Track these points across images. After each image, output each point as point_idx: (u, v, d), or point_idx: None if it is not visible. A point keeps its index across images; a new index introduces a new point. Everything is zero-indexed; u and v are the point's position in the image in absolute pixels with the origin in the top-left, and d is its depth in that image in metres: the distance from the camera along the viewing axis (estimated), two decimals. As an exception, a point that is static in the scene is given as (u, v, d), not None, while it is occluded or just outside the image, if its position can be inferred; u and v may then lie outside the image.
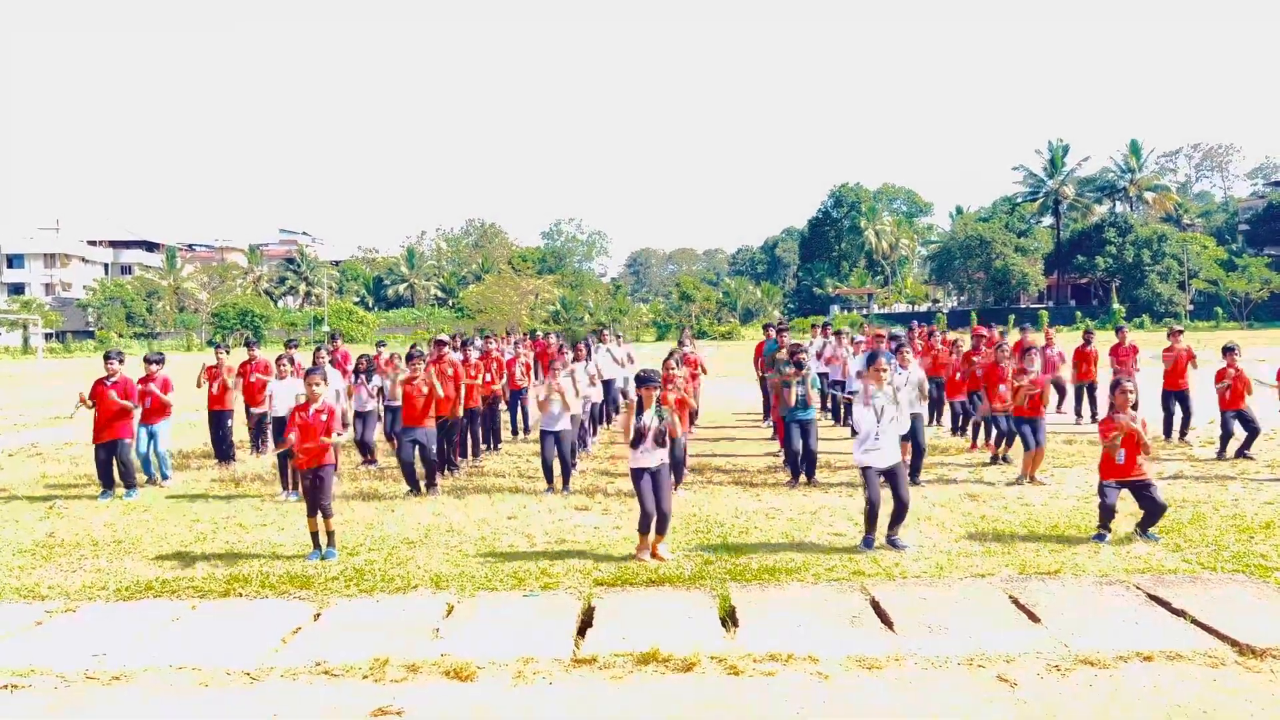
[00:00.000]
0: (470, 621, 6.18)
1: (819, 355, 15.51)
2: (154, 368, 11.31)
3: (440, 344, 12.26)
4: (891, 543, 7.84)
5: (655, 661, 5.38)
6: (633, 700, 4.96)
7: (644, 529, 7.67)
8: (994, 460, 11.90)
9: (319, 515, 7.92)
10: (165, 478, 11.54)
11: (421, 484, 10.56)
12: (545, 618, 6.21)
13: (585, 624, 6.07)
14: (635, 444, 7.69)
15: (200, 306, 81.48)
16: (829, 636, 5.74)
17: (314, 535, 7.94)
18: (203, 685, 5.26)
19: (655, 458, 7.71)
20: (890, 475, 7.87)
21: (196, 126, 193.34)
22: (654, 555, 7.67)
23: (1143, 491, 7.88)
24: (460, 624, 6.13)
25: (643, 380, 7.83)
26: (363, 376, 12.80)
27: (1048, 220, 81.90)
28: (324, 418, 8.08)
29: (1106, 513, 7.91)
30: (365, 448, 12.66)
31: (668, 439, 7.78)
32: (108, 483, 10.75)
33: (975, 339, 14.81)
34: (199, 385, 12.93)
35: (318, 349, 13.57)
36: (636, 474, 7.75)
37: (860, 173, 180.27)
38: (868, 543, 7.83)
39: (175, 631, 6.14)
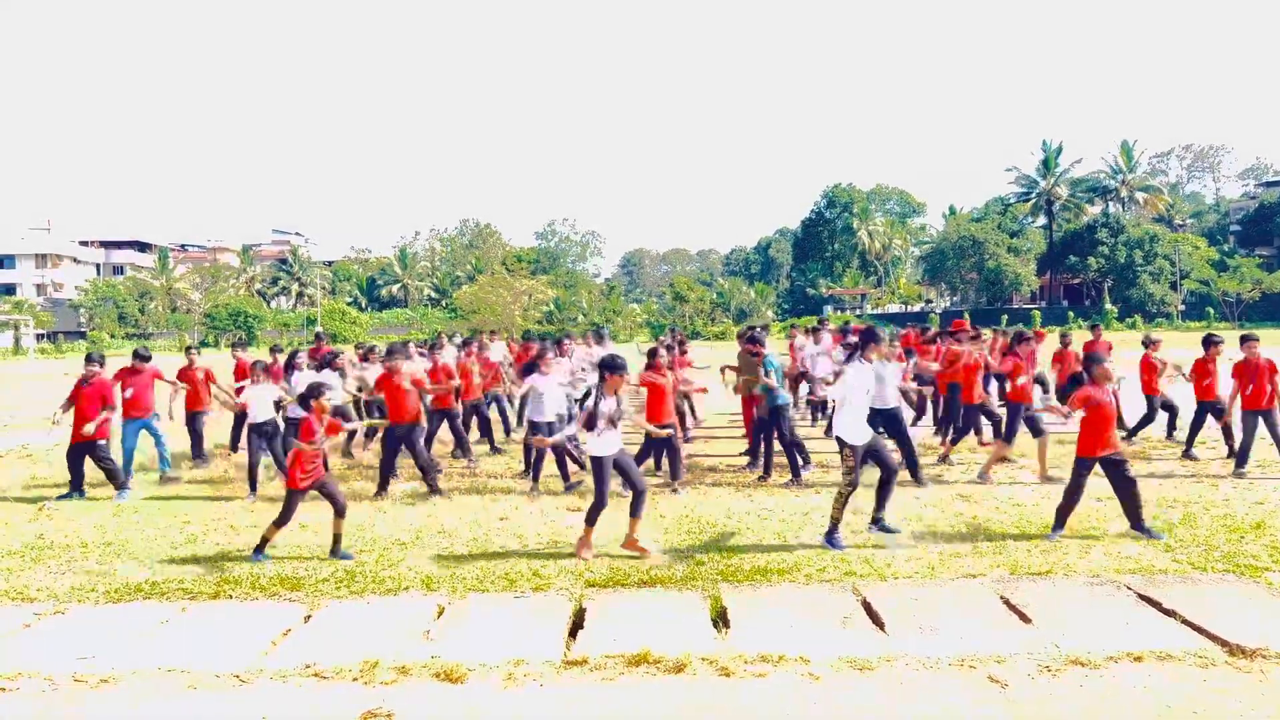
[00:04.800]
0: (461, 623, 6.17)
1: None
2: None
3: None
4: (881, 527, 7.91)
5: (646, 663, 5.38)
6: (624, 702, 4.95)
7: (592, 520, 7.71)
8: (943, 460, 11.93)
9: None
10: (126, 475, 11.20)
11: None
12: (536, 619, 6.19)
13: (576, 625, 6.06)
14: (589, 426, 7.68)
15: (193, 307, 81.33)
16: (820, 637, 5.74)
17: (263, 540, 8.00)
18: (192, 688, 5.24)
19: (614, 443, 7.75)
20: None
21: (189, 126, 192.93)
22: (632, 546, 7.65)
23: (1114, 469, 7.92)
24: (451, 626, 6.12)
25: (607, 366, 7.90)
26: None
27: (1040, 221, 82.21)
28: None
29: (1072, 493, 8.01)
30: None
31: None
32: (77, 484, 10.80)
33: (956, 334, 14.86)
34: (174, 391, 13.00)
35: (271, 350, 13.53)
36: (597, 462, 7.75)
37: (853, 173, 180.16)
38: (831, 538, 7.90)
39: (164, 634, 6.11)
